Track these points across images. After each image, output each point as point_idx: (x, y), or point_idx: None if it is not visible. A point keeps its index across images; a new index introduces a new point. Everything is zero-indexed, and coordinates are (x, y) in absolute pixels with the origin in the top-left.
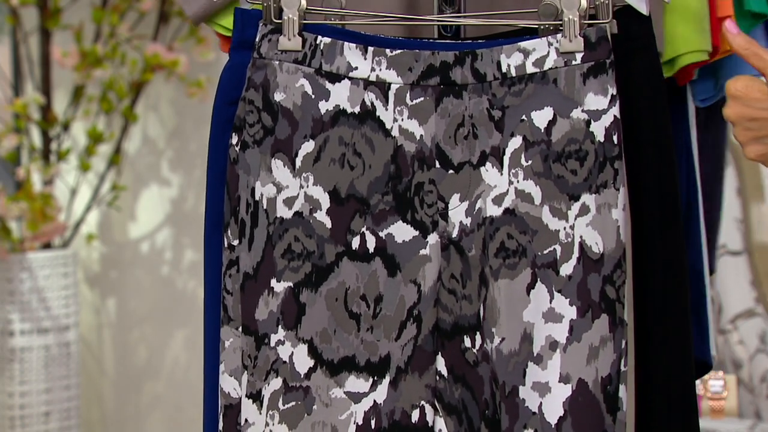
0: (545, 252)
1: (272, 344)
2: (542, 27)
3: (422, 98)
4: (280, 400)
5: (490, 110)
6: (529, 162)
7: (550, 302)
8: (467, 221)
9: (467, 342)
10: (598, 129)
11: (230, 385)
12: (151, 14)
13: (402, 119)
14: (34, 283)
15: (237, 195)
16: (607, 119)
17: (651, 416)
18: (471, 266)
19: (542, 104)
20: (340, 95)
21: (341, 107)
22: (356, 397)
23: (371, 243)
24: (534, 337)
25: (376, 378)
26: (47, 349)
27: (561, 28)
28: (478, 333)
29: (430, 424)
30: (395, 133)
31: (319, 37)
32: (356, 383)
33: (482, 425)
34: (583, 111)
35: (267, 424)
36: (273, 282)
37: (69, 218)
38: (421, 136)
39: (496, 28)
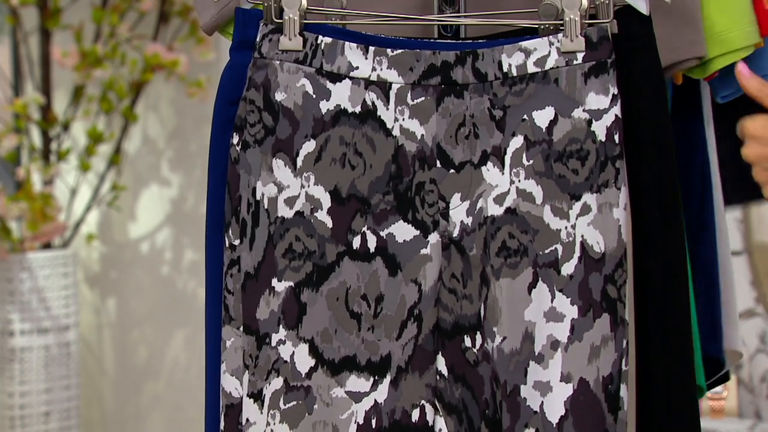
0: (546, 251)
1: (273, 344)
2: (543, 27)
3: (423, 98)
4: (281, 399)
5: (491, 110)
6: (531, 161)
7: (552, 301)
8: (468, 221)
9: (467, 341)
10: (600, 128)
11: (231, 385)
12: (151, 14)
13: (403, 119)
14: (34, 283)
15: (238, 195)
16: (608, 119)
17: (651, 416)
18: (472, 266)
19: (543, 104)
20: (341, 95)
21: (342, 107)
22: (357, 397)
23: (372, 243)
24: (535, 337)
25: (376, 377)
26: (47, 349)
27: (562, 27)
28: (478, 332)
29: (431, 423)
30: (396, 132)
31: (320, 37)
32: (357, 383)
33: (482, 425)
34: (584, 111)
35: (268, 424)
36: (274, 281)
37: (69, 218)
38: (422, 135)
39: (497, 28)
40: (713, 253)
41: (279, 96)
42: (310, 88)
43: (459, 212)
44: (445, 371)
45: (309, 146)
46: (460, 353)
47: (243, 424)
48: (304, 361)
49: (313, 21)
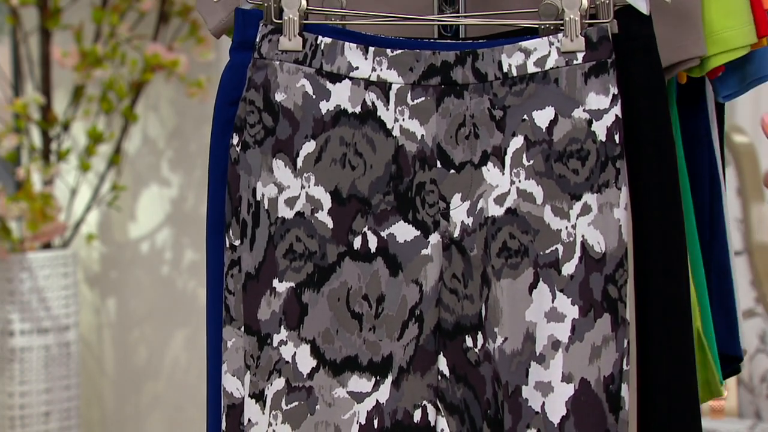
0: (547, 251)
1: (275, 344)
2: (543, 27)
3: (423, 98)
4: (283, 400)
5: (492, 110)
6: (531, 162)
7: (553, 302)
8: (469, 221)
9: (469, 342)
10: (600, 128)
11: (233, 385)
12: (151, 14)
13: (403, 119)
14: (34, 283)
15: (238, 195)
16: (608, 119)
17: (653, 416)
18: (473, 266)
19: (544, 104)
20: (340, 95)
21: (342, 107)
22: (359, 397)
23: (373, 243)
24: (536, 337)
25: (378, 378)
26: (47, 349)
27: (562, 27)
28: (479, 333)
29: (432, 423)
30: (396, 133)
31: (320, 38)
32: (359, 383)
33: (484, 425)
34: (584, 111)
35: (270, 424)
36: (275, 282)
37: (69, 218)
38: (422, 136)
39: (497, 28)
40: (726, 252)
41: (279, 96)
42: (309, 89)
43: (459, 212)
44: (446, 371)
45: (309, 147)
46: (462, 353)
47: (245, 424)
48: (305, 362)
49: (312, 21)
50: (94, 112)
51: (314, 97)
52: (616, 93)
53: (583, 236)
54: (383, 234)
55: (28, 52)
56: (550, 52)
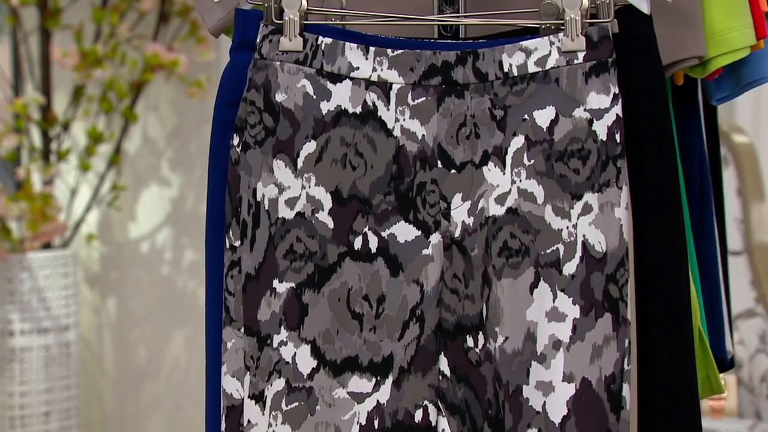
0: (548, 251)
1: (275, 345)
2: (543, 26)
3: (424, 98)
4: (283, 400)
5: (492, 110)
6: (532, 161)
7: (554, 301)
8: (470, 221)
9: (470, 342)
10: (601, 128)
11: (233, 386)
12: (151, 14)
13: (404, 119)
14: (34, 283)
15: (238, 196)
16: (609, 118)
17: (653, 415)
18: (474, 266)
19: (544, 103)
20: (341, 95)
21: (343, 107)
22: (359, 398)
23: (373, 243)
24: (537, 337)
25: (379, 378)
26: (47, 349)
27: (562, 27)
28: (480, 332)
29: (434, 423)
30: (397, 133)
31: (320, 38)
32: (359, 383)
33: (485, 425)
34: (585, 110)
35: (270, 425)
36: (275, 283)
37: (69, 218)
38: (423, 136)
39: (497, 28)
40: (714, 254)
41: (279, 97)
42: (310, 89)
43: (460, 212)
44: (447, 371)
45: (310, 147)
46: (463, 353)
47: (244, 425)
48: (305, 362)
49: (313, 22)
50: (94, 112)
51: (315, 97)
52: (616, 92)
53: (584, 236)
54: (384, 234)
55: (28, 52)
56: (550, 51)
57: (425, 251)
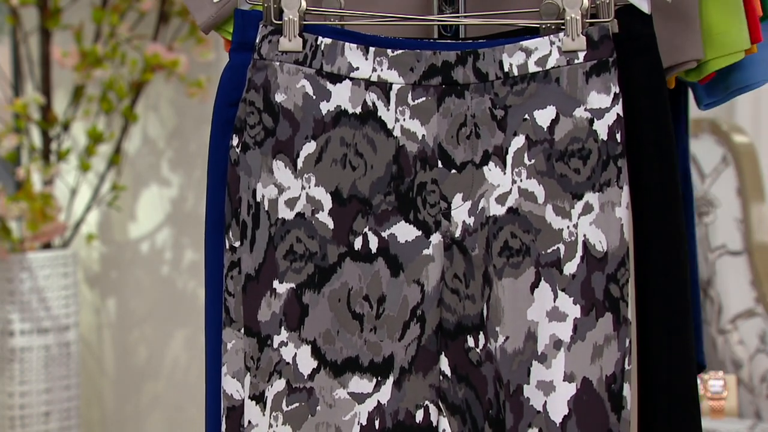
0: (549, 251)
1: (275, 346)
2: (544, 26)
3: (424, 98)
4: (284, 401)
5: (493, 110)
6: (532, 161)
7: (554, 301)
8: (470, 221)
9: (470, 342)
10: (601, 127)
11: (233, 387)
12: (151, 14)
13: (404, 119)
14: (34, 283)
15: (238, 196)
16: (610, 117)
17: (653, 415)
18: (474, 266)
19: (545, 103)
20: (341, 96)
21: (342, 108)
22: (360, 398)
23: (374, 243)
24: (538, 336)
25: (379, 378)
26: (47, 349)
27: (563, 27)
28: (481, 332)
29: (434, 424)
30: (397, 133)
31: (320, 38)
32: (360, 384)
33: (486, 425)
34: (585, 110)
35: (271, 426)
36: (275, 283)
37: (69, 218)
38: (423, 136)
39: (496, 28)
40: (695, 258)
41: (279, 97)
42: (310, 89)
43: (461, 212)
44: (448, 371)
45: (309, 147)
46: (463, 353)
47: (245, 426)
48: (306, 363)
49: (312, 22)
50: (94, 112)
51: (314, 97)
52: (617, 92)
53: (584, 235)
54: (384, 234)
55: (28, 52)
56: (551, 51)
57: (426, 251)
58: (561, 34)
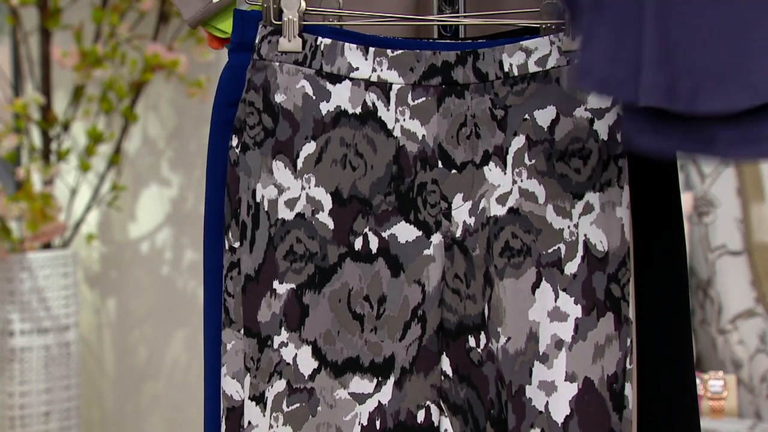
0: (550, 251)
1: (275, 346)
2: (544, 26)
3: (424, 98)
4: (284, 401)
5: (493, 110)
6: (533, 161)
7: (555, 301)
8: (471, 221)
9: (472, 342)
10: (602, 127)
11: (232, 388)
12: (151, 14)
13: (404, 119)
14: (34, 283)
15: (237, 197)
16: (610, 117)
17: (653, 415)
18: (475, 266)
19: (545, 103)
20: (341, 96)
21: (342, 108)
22: (361, 398)
23: (374, 244)
24: (540, 336)
25: (380, 379)
26: (47, 349)
27: (563, 27)
28: (482, 333)
29: (436, 424)
30: (397, 133)
31: (320, 38)
32: (361, 384)
33: (488, 425)
34: (586, 109)
35: (271, 427)
36: (275, 284)
37: (69, 218)
38: (423, 136)
39: (497, 28)
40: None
41: (279, 98)
42: (309, 90)
43: (461, 212)
44: (449, 372)
45: (309, 148)
46: (465, 353)
47: (245, 427)
48: (306, 363)
49: (312, 22)
50: (94, 112)
51: (314, 98)
52: None
53: (585, 235)
54: (384, 234)
55: (28, 52)
56: (551, 51)
57: (426, 251)
58: (561, 34)
